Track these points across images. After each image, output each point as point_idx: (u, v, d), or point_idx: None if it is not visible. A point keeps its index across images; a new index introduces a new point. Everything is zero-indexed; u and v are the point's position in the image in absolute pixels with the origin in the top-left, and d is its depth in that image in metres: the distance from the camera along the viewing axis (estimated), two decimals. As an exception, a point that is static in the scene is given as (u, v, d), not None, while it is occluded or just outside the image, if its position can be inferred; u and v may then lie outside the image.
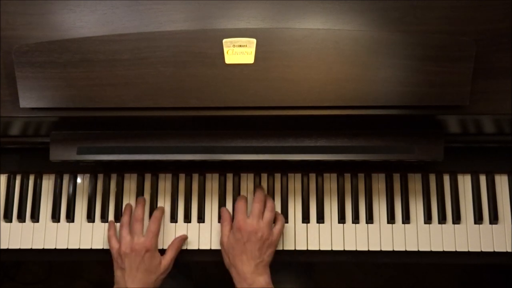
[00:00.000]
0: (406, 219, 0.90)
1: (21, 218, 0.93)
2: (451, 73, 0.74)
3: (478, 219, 0.90)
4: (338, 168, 0.92)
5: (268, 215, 0.85)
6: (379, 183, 0.92)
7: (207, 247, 0.91)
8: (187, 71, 0.75)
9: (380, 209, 0.91)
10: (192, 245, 0.91)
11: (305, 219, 0.91)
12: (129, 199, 0.93)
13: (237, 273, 0.82)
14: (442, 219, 0.90)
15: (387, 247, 0.89)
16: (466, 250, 0.89)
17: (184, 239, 0.90)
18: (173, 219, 0.91)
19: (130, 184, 0.94)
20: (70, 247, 0.92)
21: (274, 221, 0.87)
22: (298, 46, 0.75)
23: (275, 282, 0.99)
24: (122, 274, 0.83)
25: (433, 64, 0.74)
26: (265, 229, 0.83)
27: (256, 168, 0.93)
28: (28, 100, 0.77)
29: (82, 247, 0.91)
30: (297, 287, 1.02)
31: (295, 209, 0.92)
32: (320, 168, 0.92)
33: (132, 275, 0.82)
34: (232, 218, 0.88)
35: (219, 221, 0.91)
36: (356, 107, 0.76)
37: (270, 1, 0.80)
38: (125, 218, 0.88)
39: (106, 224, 0.92)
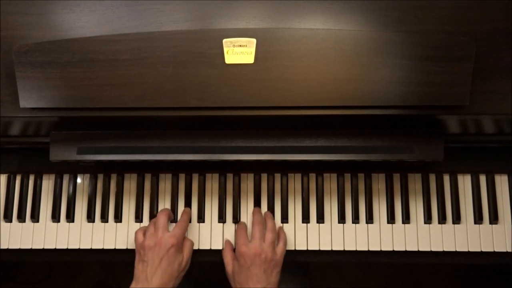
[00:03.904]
0: (406, 219, 0.90)
1: (21, 218, 0.93)
2: (451, 73, 0.74)
3: (478, 219, 0.90)
4: (338, 168, 0.92)
5: (269, 236, 0.84)
6: (379, 183, 0.92)
7: (207, 247, 0.91)
8: (187, 71, 0.75)
9: (380, 209, 0.91)
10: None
11: (305, 219, 0.91)
12: (129, 199, 0.93)
13: None
14: (442, 219, 0.90)
15: (387, 247, 0.89)
16: (466, 250, 0.89)
17: (192, 243, 0.89)
18: (173, 219, 0.91)
19: (130, 184, 0.94)
20: (70, 247, 0.92)
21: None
22: (298, 46, 0.75)
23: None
24: (143, 267, 0.80)
25: (433, 64, 0.74)
26: (268, 250, 0.82)
27: (256, 168, 0.93)
28: (28, 100, 0.77)
29: (82, 247, 0.91)
30: (294, 287, 1.02)
31: (295, 209, 0.92)
32: (320, 168, 0.92)
33: (153, 269, 0.79)
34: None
35: (219, 221, 0.92)
36: (356, 107, 0.76)
37: (270, 1, 0.80)
38: (151, 222, 0.87)
39: (106, 224, 0.92)
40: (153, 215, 0.91)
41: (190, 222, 0.91)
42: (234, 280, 0.83)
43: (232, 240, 0.90)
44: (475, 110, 0.77)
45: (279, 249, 0.85)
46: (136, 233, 0.86)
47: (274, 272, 0.82)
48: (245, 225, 0.88)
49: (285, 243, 0.87)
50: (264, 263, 0.81)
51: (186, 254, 0.84)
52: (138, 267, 0.82)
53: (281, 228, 0.89)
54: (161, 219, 0.84)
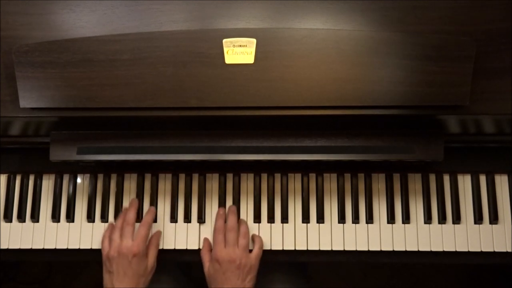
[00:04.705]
0: (406, 219, 0.90)
1: (21, 218, 0.93)
2: (451, 73, 0.74)
3: (478, 219, 0.90)
4: (338, 168, 0.92)
5: (242, 241, 0.85)
6: (379, 183, 0.92)
7: (207, 247, 0.91)
8: (187, 71, 0.75)
9: (380, 209, 0.91)
10: (192, 245, 0.91)
11: (305, 219, 0.91)
12: (129, 199, 0.93)
13: None
14: (442, 219, 0.90)
15: (387, 247, 0.89)
16: (466, 250, 0.89)
17: (159, 234, 0.90)
18: (173, 219, 0.91)
19: (130, 184, 0.94)
20: (70, 247, 0.91)
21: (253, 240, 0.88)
22: (298, 46, 0.75)
23: (270, 282, 0.99)
24: (110, 277, 0.83)
25: (433, 64, 0.74)
26: (242, 256, 0.83)
27: (256, 168, 0.93)
28: (28, 100, 0.77)
29: (82, 247, 0.91)
30: (293, 287, 1.02)
31: (295, 209, 0.92)
32: (320, 168, 0.92)
33: (119, 279, 0.81)
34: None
35: (219, 221, 0.92)
36: (356, 107, 0.76)
37: (270, 1, 0.80)
38: (119, 222, 0.87)
39: (106, 224, 0.92)
40: (153, 215, 0.91)
41: (190, 222, 0.91)
42: (210, 282, 0.85)
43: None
44: (475, 110, 0.77)
45: (254, 254, 0.85)
46: (102, 241, 0.87)
47: (248, 277, 0.83)
48: (223, 227, 0.87)
49: (261, 247, 0.87)
50: (238, 269, 0.82)
51: (151, 258, 0.86)
52: (106, 277, 0.84)
53: (255, 234, 0.90)
54: (127, 229, 0.85)
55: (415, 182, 0.92)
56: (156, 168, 0.93)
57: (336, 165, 0.92)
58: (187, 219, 0.91)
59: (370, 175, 0.92)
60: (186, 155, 0.82)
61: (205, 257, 0.87)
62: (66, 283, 1.58)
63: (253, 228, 0.91)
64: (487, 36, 0.78)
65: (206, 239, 0.90)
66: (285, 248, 0.90)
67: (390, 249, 0.89)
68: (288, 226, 0.91)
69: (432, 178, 0.92)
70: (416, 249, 0.89)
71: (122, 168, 0.94)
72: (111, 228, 0.88)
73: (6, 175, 0.95)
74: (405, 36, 0.75)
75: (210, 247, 0.89)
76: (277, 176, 0.93)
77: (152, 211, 0.90)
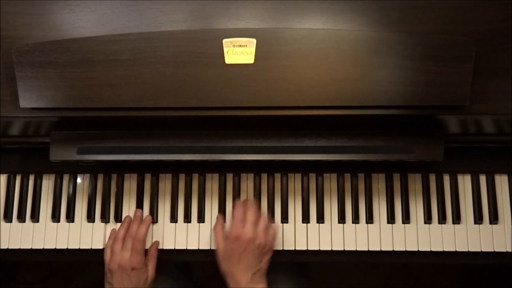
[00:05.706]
0: (406, 219, 0.90)
1: (21, 218, 0.93)
2: (451, 73, 0.74)
3: (478, 219, 0.90)
4: (338, 168, 0.92)
5: (262, 222, 0.84)
6: (379, 183, 0.92)
7: (207, 247, 0.91)
8: (187, 71, 0.75)
9: (380, 209, 0.91)
10: (192, 245, 0.91)
11: (305, 219, 0.91)
12: (129, 199, 0.93)
13: (234, 281, 0.81)
14: (442, 219, 0.90)
15: (387, 247, 0.89)
16: (466, 250, 0.89)
17: (157, 245, 0.90)
18: (173, 219, 0.91)
19: (130, 184, 0.94)
20: (70, 247, 0.92)
21: None
22: (298, 46, 0.75)
23: (272, 283, 0.99)
24: None
25: (433, 64, 0.74)
26: (262, 235, 0.82)
27: (256, 168, 0.93)
28: (28, 100, 0.77)
29: (82, 247, 0.91)
30: (294, 287, 1.02)
31: (295, 209, 0.92)
32: (320, 168, 0.92)
33: None
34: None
35: (219, 221, 0.92)
36: (356, 107, 0.76)
37: (270, 1, 0.80)
38: (121, 232, 0.87)
39: (107, 224, 0.92)
40: (152, 215, 0.91)
41: (190, 222, 0.91)
42: (224, 260, 0.83)
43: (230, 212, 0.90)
44: (475, 110, 0.77)
45: (270, 236, 0.84)
46: (105, 251, 0.87)
47: (265, 258, 0.82)
48: (243, 205, 0.86)
49: (275, 228, 0.86)
50: (257, 249, 0.81)
51: (151, 269, 0.86)
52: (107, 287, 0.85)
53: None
54: (128, 242, 0.85)
55: (415, 182, 0.92)
56: (156, 168, 0.93)
57: (336, 165, 0.92)
58: (187, 219, 0.91)
59: (370, 175, 0.92)
60: (186, 155, 0.82)
61: (219, 234, 0.86)
62: (66, 283, 1.58)
63: (253, 228, 0.91)
64: (487, 36, 0.78)
65: (220, 215, 0.89)
66: (285, 248, 0.90)
67: (390, 249, 0.89)
68: (288, 226, 0.91)
69: (432, 178, 0.92)
70: (416, 249, 0.89)
71: (122, 168, 0.94)
72: (113, 237, 0.88)
73: (6, 175, 0.95)
74: (405, 36, 0.75)
75: (223, 224, 0.88)
76: (277, 176, 0.93)
77: (147, 223, 0.89)
